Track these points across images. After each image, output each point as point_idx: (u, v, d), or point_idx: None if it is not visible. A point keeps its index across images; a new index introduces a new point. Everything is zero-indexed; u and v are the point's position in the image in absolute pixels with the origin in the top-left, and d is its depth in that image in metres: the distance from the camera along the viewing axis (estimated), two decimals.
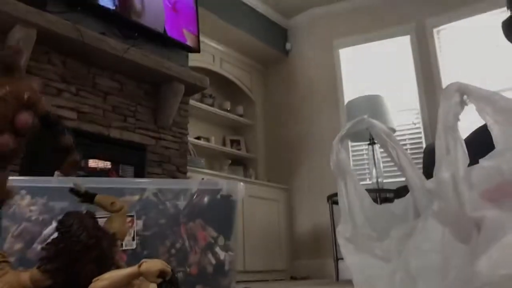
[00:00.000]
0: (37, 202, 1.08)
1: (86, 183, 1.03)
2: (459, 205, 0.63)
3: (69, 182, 0.96)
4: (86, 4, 2.75)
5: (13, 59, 0.65)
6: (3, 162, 0.65)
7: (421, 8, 4.20)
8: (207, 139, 4.33)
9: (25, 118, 0.64)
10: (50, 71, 2.60)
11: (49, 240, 0.68)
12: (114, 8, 2.87)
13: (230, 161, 4.51)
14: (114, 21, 2.92)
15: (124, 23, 2.96)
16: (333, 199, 3.51)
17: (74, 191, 0.79)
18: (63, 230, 0.67)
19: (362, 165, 4.17)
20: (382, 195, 3.29)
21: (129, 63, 2.86)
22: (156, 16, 3.16)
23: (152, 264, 0.63)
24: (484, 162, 0.68)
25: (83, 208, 0.92)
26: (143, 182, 1.24)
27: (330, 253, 3.67)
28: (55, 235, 0.67)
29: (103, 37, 2.71)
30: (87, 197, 0.80)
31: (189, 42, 3.39)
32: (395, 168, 0.92)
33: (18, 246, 1.03)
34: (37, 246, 1.00)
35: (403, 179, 0.89)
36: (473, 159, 0.69)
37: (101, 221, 0.95)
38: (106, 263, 0.67)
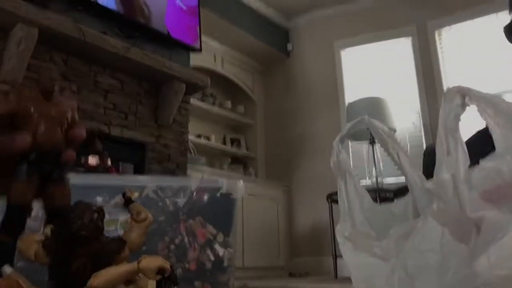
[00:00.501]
0: None
1: (86, 180, 1.03)
2: (458, 206, 0.63)
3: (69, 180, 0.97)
4: (87, 3, 2.75)
5: (51, 86, 0.73)
6: (66, 177, 0.74)
7: (423, 10, 4.19)
8: (208, 138, 4.33)
9: (79, 132, 0.74)
10: (51, 70, 2.60)
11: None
12: (115, 7, 2.87)
13: (230, 160, 4.51)
14: (115, 20, 2.93)
15: (125, 22, 2.96)
16: (332, 198, 3.51)
17: (123, 194, 0.82)
18: (64, 215, 0.68)
19: (361, 164, 4.17)
20: (381, 195, 3.29)
21: (130, 62, 2.86)
22: (157, 16, 3.16)
23: (151, 261, 0.63)
24: (484, 163, 0.68)
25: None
26: (143, 179, 1.24)
27: (329, 251, 3.67)
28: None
29: (104, 36, 2.71)
30: (127, 202, 0.81)
31: (191, 41, 3.39)
32: (395, 168, 0.93)
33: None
34: None
35: (402, 178, 0.89)
36: (474, 161, 0.69)
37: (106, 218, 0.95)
38: (103, 262, 0.67)
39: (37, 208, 1.09)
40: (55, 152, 0.72)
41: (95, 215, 0.69)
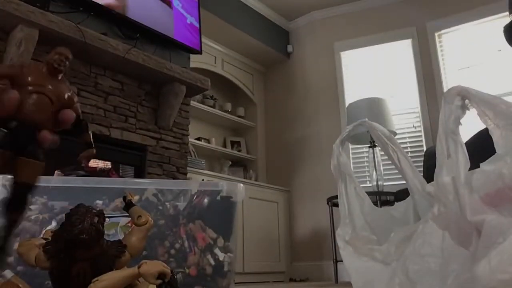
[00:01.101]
0: (37, 201, 1.08)
1: (87, 183, 1.03)
2: (459, 209, 0.63)
3: (69, 182, 0.96)
4: (88, 4, 2.75)
5: (61, 66, 0.73)
6: (41, 154, 0.73)
7: (422, 12, 4.20)
8: (208, 140, 4.33)
9: (69, 114, 0.74)
10: None
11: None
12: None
13: (230, 163, 4.51)
14: (116, 22, 2.93)
15: (126, 23, 2.96)
16: (333, 201, 3.51)
17: (124, 197, 0.81)
18: (65, 218, 0.67)
19: (362, 167, 4.16)
20: (382, 198, 3.28)
21: (130, 64, 2.86)
22: (158, 17, 3.16)
23: (152, 266, 0.63)
24: (484, 166, 0.68)
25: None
26: (143, 182, 1.23)
27: (329, 255, 3.66)
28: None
29: (105, 37, 2.71)
30: (127, 206, 0.81)
31: (191, 43, 3.39)
32: (396, 171, 0.92)
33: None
34: None
35: (403, 182, 0.89)
36: (474, 163, 0.69)
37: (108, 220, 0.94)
38: (103, 266, 0.66)
39: (37, 211, 1.09)
40: (35, 127, 0.71)
41: (96, 218, 0.68)
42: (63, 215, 0.80)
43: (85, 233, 0.66)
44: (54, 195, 1.10)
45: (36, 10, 2.38)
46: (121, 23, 2.95)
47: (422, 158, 2.48)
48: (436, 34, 4.13)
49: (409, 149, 4.01)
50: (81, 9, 2.72)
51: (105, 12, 2.84)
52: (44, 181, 1.07)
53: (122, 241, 0.73)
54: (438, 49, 4.10)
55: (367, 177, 3.98)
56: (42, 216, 1.06)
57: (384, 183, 3.52)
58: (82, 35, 2.56)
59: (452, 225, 0.66)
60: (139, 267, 0.63)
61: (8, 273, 0.74)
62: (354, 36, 4.46)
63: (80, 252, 0.66)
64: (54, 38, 2.51)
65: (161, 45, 3.20)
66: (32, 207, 1.07)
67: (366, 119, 0.92)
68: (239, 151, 4.65)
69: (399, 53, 4.30)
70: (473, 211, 0.63)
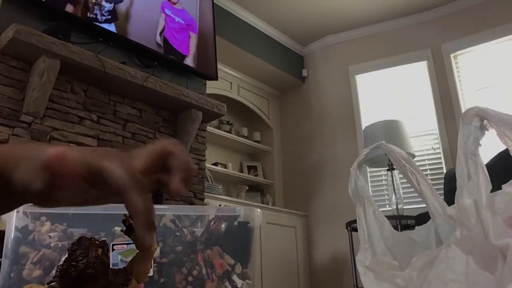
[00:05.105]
0: (56, 228, 1.09)
1: (105, 210, 1.04)
2: (482, 233, 0.61)
3: (88, 208, 0.98)
4: (107, 35, 2.84)
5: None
6: None
7: (437, 34, 4.20)
8: (224, 165, 4.33)
9: None
10: (72, 100, 2.67)
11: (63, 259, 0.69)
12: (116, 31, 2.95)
13: (247, 187, 4.49)
14: (134, 51, 3.01)
15: (144, 52, 3.04)
16: (352, 226, 3.44)
17: (123, 221, 0.80)
18: (69, 253, 0.66)
19: (381, 191, 4.10)
20: (402, 222, 3.21)
21: (148, 91, 2.91)
22: (174, 45, 3.24)
23: None
24: (507, 188, 0.66)
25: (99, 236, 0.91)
26: (160, 208, 1.24)
27: (350, 282, 3.57)
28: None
29: (123, 66, 2.78)
30: (128, 230, 0.79)
31: (207, 69, 3.45)
32: (416, 194, 0.91)
33: (37, 272, 1.04)
34: None
35: (424, 205, 0.87)
36: (496, 185, 0.67)
37: (118, 247, 0.94)
38: None
39: (56, 238, 1.10)
40: None
41: (100, 250, 0.67)
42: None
43: (91, 267, 0.65)
44: (73, 222, 1.11)
45: (58, 42, 2.46)
46: (139, 52, 3.03)
47: (443, 181, 2.44)
48: (452, 56, 4.11)
49: (428, 172, 3.94)
50: (100, 39, 2.80)
51: (123, 42, 2.92)
52: (64, 208, 1.09)
53: (127, 269, 0.72)
54: (454, 70, 4.08)
55: (386, 200, 3.91)
56: (61, 244, 1.06)
57: (404, 207, 3.45)
58: (102, 65, 2.63)
59: (475, 249, 0.64)
60: None
61: None
62: (368, 59, 4.48)
63: (87, 286, 0.65)
64: (75, 68, 2.58)
65: (178, 72, 3.26)
66: (51, 234, 1.08)
67: (383, 142, 0.91)
68: (256, 175, 4.64)
69: (414, 75, 4.29)
70: (497, 234, 0.61)
